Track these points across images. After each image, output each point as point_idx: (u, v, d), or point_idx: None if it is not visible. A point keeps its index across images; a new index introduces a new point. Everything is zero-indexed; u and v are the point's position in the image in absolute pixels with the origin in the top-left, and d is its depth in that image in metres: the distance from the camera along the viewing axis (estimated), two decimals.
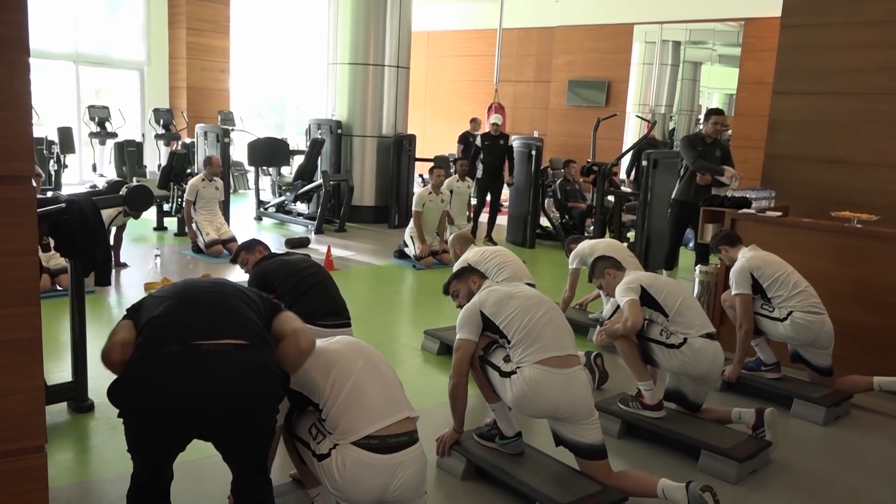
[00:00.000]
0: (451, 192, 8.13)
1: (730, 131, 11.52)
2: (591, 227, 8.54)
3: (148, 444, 2.08)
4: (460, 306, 3.17)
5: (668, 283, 3.59)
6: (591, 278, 3.90)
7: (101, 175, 10.68)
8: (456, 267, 4.52)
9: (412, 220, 7.55)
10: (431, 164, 8.85)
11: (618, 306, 3.67)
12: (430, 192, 7.61)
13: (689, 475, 3.08)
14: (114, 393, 2.01)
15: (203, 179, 7.37)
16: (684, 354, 3.40)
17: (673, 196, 6.47)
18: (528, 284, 3.79)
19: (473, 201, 9.16)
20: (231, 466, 2.18)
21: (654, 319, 3.51)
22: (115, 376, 2.06)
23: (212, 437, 2.12)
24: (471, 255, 4.62)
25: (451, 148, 12.15)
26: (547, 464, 3.02)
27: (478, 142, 8.14)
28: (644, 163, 7.50)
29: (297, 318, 2.35)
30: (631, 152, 9.73)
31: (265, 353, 2.12)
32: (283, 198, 9.79)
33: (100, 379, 3.81)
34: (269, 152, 9.88)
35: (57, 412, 3.51)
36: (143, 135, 11.96)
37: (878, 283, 4.42)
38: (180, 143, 10.96)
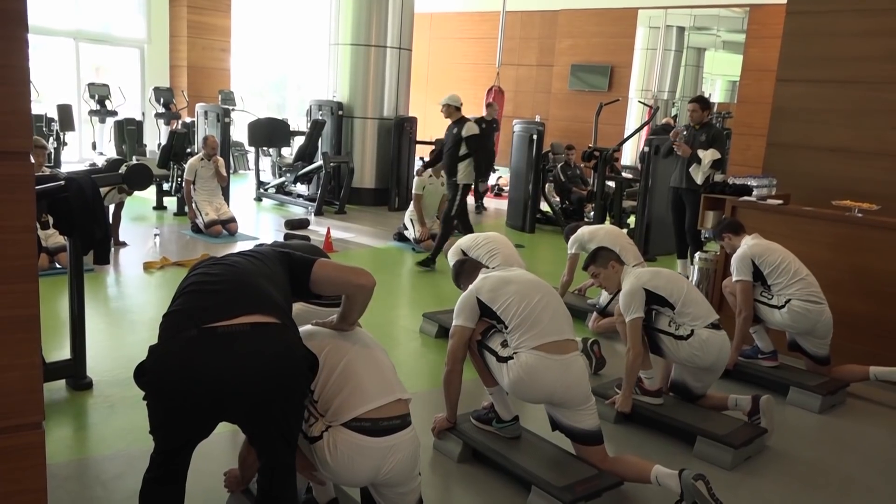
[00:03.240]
0: None
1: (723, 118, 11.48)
2: (592, 213, 8.53)
3: (169, 429, 2.04)
4: None
5: (668, 278, 3.54)
6: (589, 265, 3.76)
7: (101, 153, 10.64)
8: (450, 255, 4.56)
9: (412, 203, 7.54)
10: (432, 146, 8.81)
11: (612, 297, 3.66)
12: (431, 176, 7.59)
13: (685, 461, 3.10)
14: (138, 379, 1.99)
15: (201, 159, 7.36)
16: (692, 346, 3.41)
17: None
18: None
19: None
20: (259, 455, 2.13)
21: (661, 311, 3.51)
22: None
23: (236, 421, 2.09)
24: (464, 241, 4.63)
25: None
26: (543, 448, 3.03)
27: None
28: (646, 149, 7.49)
29: (333, 264, 2.34)
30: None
31: (286, 331, 2.04)
32: (283, 179, 9.77)
33: (98, 357, 3.83)
34: (270, 133, 9.84)
35: (55, 390, 3.52)
36: (143, 113, 11.91)
37: (878, 272, 4.42)
38: (180, 122, 10.91)
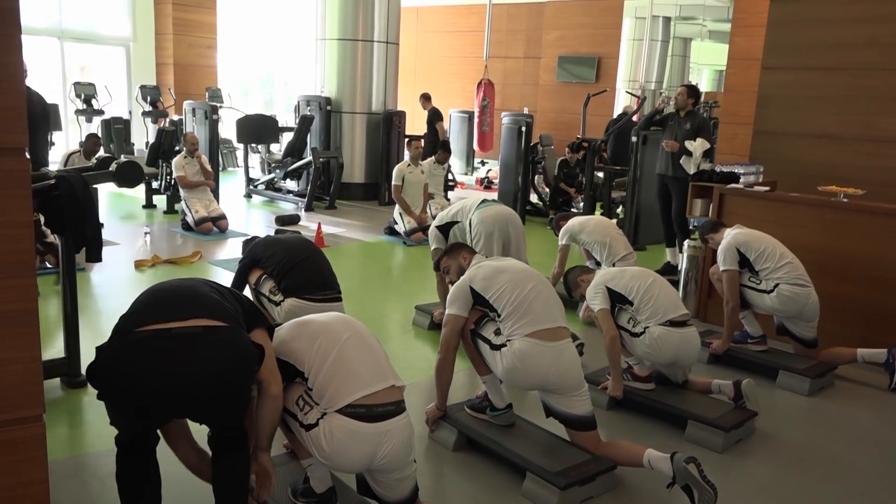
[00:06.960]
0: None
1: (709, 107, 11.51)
2: (581, 204, 8.56)
3: (128, 423, 2.16)
4: (451, 282, 3.21)
5: (633, 276, 3.59)
6: (571, 295, 3.95)
7: None
8: (435, 224, 4.80)
9: (394, 195, 7.54)
10: (420, 139, 8.80)
11: None
12: (409, 165, 7.59)
13: (677, 445, 3.15)
14: (92, 379, 2.06)
15: (185, 157, 7.36)
16: (643, 343, 3.45)
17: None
18: None
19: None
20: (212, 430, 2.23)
21: (623, 308, 3.56)
22: None
23: (189, 416, 2.19)
24: (457, 205, 4.85)
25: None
26: (537, 434, 3.07)
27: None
28: (634, 139, 7.52)
29: (269, 345, 2.26)
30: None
31: (238, 333, 2.10)
32: (272, 175, 9.75)
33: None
34: (258, 129, 9.83)
35: (50, 388, 3.52)
36: (130, 112, 11.86)
37: (863, 256, 4.48)
38: (168, 120, 10.87)
